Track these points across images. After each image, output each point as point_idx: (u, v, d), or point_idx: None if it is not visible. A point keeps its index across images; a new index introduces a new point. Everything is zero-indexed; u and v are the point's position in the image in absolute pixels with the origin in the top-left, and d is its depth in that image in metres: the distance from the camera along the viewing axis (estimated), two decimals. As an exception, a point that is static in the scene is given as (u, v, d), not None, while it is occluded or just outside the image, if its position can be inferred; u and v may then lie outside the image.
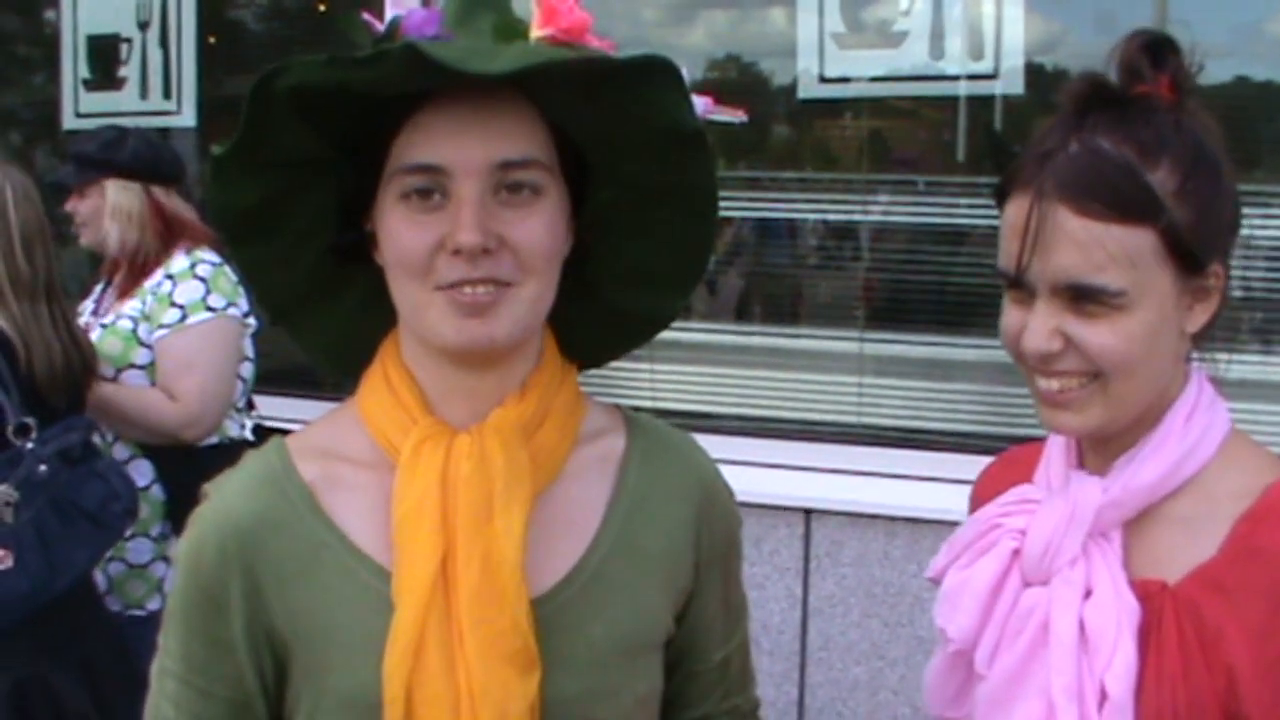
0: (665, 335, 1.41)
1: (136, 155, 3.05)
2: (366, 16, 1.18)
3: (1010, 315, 1.22)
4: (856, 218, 3.91)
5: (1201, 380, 1.25)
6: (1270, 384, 3.46)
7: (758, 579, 3.54)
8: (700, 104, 1.24)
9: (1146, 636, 1.17)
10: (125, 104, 4.48)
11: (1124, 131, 1.17)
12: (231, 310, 2.98)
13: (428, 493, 1.18)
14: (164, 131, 4.34)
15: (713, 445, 1.42)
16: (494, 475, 1.18)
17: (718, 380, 4.01)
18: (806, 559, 3.56)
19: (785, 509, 3.54)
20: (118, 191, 3.01)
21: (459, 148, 1.14)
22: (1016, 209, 1.18)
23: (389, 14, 1.17)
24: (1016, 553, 1.24)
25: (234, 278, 3.01)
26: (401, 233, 1.16)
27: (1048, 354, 1.18)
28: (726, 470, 1.40)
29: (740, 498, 1.40)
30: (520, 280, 1.17)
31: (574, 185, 1.23)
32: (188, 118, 4.49)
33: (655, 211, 1.27)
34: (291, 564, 1.21)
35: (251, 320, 3.04)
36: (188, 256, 3.01)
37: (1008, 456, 1.46)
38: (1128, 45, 1.21)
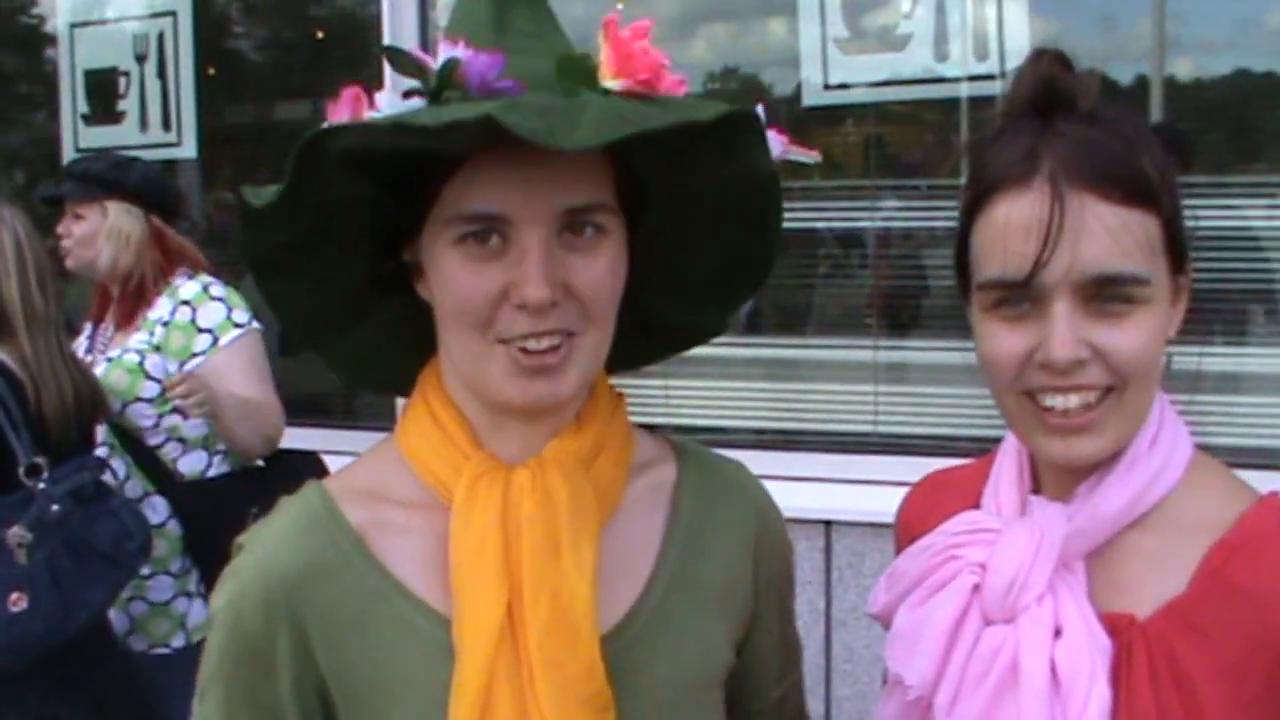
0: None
1: (146, 179, 3.03)
2: (415, 51, 1.08)
3: (1003, 339, 1.11)
4: (865, 224, 3.88)
5: (1163, 398, 1.17)
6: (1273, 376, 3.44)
7: (780, 593, 3.49)
8: (776, 145, 1.18)
9: (1116, 674, 1.10)
10: (125, 138, 4.48)
11: (1101, 127, 1.10)
12: (255, 324, 3.01)
13: (488, 533, 1.11)
14: (168, 165, 4.33)
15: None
16: (559, 510, 1.12)
17: (732, 394, 3.98)
18: (828, 571, 3.53)
19: (805, 521, 3.49)
20: (120, 214, 2.98)
21: (524, 196, 1.07)
22: (1024, 205, 1.08)
23: (442, 55, 1.06)
24: (976, 588, 1.14)
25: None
26: (461, 281, 1.09)
27: (1075, 363, 1.08)
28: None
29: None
30: (585, 329, 1.11)
31: (629, 207, 1.17)
32: (188, 149, 4.48)
33: (716, 231, 1.22)
34: (342, 615, 1.14)
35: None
36: (195, 281, 2.99)
37: (934, 479, 1.38)
38: (1043, 62, 1.14)
